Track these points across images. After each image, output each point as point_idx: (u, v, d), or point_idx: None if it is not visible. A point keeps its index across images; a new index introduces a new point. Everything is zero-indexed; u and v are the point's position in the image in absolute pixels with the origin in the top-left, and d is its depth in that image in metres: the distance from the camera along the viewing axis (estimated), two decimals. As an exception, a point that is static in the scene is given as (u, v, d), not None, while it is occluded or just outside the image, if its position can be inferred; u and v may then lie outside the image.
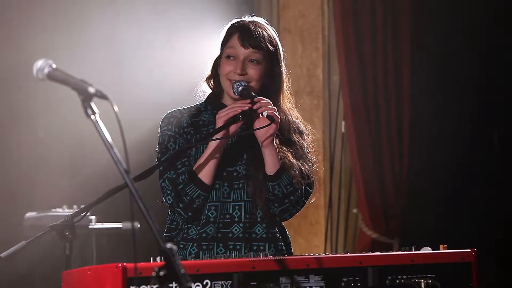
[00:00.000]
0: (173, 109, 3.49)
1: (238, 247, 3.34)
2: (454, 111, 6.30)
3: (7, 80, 6.02)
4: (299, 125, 3.54)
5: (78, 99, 2.34)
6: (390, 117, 6.22)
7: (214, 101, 3.49)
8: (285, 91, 3.53)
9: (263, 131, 3.29)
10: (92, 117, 2.32)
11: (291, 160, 3.37)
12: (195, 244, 3.35)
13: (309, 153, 3.51)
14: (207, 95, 3.53)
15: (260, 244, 3.37)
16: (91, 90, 2.32)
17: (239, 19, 3.49)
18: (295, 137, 3.47)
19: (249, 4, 6.46)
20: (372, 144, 6.21)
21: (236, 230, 3.36)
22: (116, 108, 2.29)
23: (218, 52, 3.49)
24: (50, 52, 5.79)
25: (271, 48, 3.42)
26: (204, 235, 3.34)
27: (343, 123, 6.34)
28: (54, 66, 2.41)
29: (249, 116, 3.33)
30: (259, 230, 3.39)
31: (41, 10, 6.13)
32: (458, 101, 6.30)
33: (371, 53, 6.22)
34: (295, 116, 3.53)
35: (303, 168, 3.41)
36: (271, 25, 3.50)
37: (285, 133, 3.45)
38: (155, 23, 6.15)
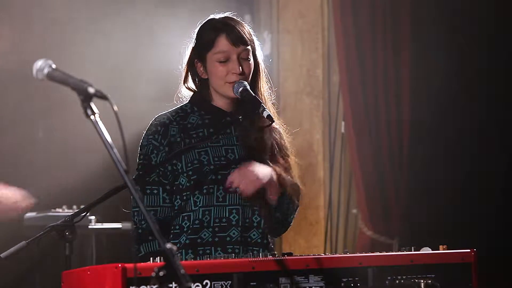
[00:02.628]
0: (162, 113, 3.43)
1: (237, 250, 3.34)
2: (454, 111, 6.29)
3: (6, 80, 6.02)
4: (280, 130, 3.52)
5: (77, 99, 2.34)
6: (390, 117, 6.22)
7: (202, 103, 3.45)
8: (262, 77, 3.48)
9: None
10: (92, 117, 2.32)
11: (286, 178, 3.39)
12: (189, 251, 3.32)
13: (289, 156, 3.50)
14: (191, 95, 3.48)
15: (254, 248, 3.35)
16: (91, 90, 2.32)
17: (212, 19, 3.44)
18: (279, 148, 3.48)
19: (249, 4, 6.45)
20: (372, 144, 6.21)
21: (234, 233, 3.35)
22: (115, 108, 2.29)
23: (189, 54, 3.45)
24: (50, 52, 5.80)
25: (252, 40, 3.42)
26: (199, 240, 3.32)
27: (343, 123, 6.34)
28: (53, 66, 2.41)
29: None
30: (254, 235, 3.38)
31: (40, 10, 6.13)
32: (458, 100, 6.30)
33: (371, 53, 6.22)
34: (270, 109, 3.45)
35: (293, 182, 3.44)
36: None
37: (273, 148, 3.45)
38: (155, 21, 6.16)
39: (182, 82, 3.48)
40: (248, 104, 3.31)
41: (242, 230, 3.34)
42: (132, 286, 2.64)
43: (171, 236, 3.36)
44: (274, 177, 3.31)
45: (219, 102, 3.43)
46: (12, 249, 3.06)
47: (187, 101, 3.48)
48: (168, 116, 3.41)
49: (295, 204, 3.45)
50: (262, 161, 3.38)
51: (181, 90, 3.50)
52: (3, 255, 3.04)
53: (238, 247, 3.34)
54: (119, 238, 5.71)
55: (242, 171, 3.25)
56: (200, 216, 3.33)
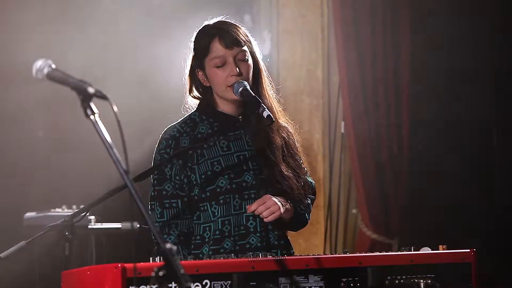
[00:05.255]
0: (171, 125, 3.42)
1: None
2: (454, 111, 6.30)
3: (6, 80, 6.02)
4: (287, 127, 3.54)
5: (77, 99, 2.34)
6: (390, 117, 6.22)
7: (209, 110, 3.44)
8: (264, 76, 3.49)
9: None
10: (92, 117, 2.32)
11: (295, 183, 3.40)
12: None
13: (299, 155, 3.50)
14: (198, 103, 3.48)
15: (272, 251, 3.35)
16: (91, 90, 2.32)
17: (206, 25, 3.44)
18: (288, 147, 3.48)
19: (249, 4, 6.45)
20: (372, 144, 6.21)
21: (253, 240, 3.35)
22: (115, 108, 2.29)
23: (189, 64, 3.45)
24: (50, 52, 5.79)
25: (248, 41, 3.42)
26: (222, 250, 3.32)
27: (342, 123, 6.34)
28: (53, 66, 2.41)
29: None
30: (271, 238, 3.38)
31: (40, 9, 6.13)
32: (458, 100, 6.30)
33: (371, 53, 6.22)
34: (275, 107, 3.48)
35: (304, 182, 3.44)
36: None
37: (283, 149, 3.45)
38: (153, 22, 6.15)
39: (188, 92, 3.48)
40: (248, 104, 3.32)
41: (261, 236, 3.34)
42: (132, 286, 2.64)
43: (192, 246, 3.36)
44: (287, 205, 3.34)
45: (224, 107, 3.43)
46: (12, 249, 3.06)
47: (195, 109, 3.48)
48: (178, 129, 3.39)
49: (308, 208, 3.48)
50: (275, 161, 3.38)
51: (187, 100, 3.50)
52: (3, 255, 3.04)
53: (258, 253, 3.33)
54: (119, 238, 5.70)
55: (261, 200, 3.27)
56: (220, 227, 3.33)
